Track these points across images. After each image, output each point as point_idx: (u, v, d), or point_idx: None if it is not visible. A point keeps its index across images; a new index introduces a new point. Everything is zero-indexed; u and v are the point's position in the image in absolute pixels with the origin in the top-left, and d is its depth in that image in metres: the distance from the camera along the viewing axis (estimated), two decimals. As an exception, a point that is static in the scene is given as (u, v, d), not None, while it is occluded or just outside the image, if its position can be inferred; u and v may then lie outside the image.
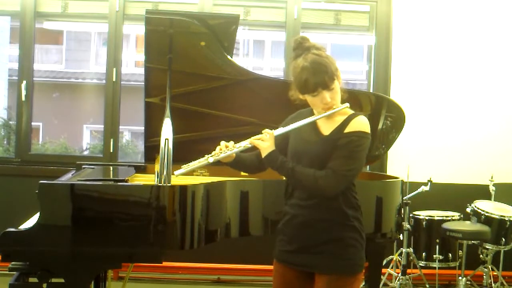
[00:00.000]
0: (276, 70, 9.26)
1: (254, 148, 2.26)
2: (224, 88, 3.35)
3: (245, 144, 2.27)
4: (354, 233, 2.18)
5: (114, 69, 4.79)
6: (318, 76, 2.10)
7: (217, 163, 2.34)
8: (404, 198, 3.62)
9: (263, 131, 2.25)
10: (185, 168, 2.35)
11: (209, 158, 2.29)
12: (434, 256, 4.23)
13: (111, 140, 4.80)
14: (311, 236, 2.18)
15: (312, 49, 2.17)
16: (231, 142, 2.31)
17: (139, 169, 3.54)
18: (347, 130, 2.15)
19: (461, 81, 4.87)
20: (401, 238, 4.20)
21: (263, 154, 2.21)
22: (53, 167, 4.64)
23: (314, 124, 2.24)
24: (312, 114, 2.26)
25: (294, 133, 2.27)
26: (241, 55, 9.40)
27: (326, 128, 2.21)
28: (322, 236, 2.17)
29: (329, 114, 2.18)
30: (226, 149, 2.29)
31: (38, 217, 2.50)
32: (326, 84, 2.12)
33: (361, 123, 2.17)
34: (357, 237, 2.19)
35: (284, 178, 2.30)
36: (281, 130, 2.25)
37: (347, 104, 2.20)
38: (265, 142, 2.21)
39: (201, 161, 2.32)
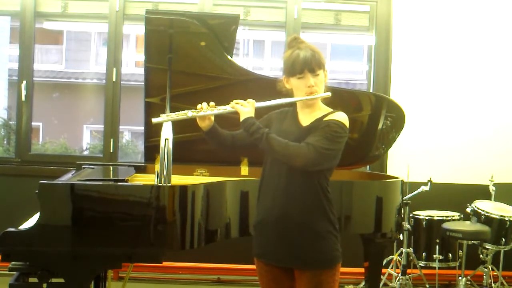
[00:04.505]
0: (276, 70, 9.26)
1: (234, 113, 2.34)
2: (224, 88, 3.35)
3: (226, 107, 2.36)
4: (329, 225, 2.23)
5: (114, 69, 4.78)
6: (306, 59, 2.22)
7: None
8: (404, 198, 3.62)
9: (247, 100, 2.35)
10: (164, 117, 2.45)
11: (189, 113, 2.39)
12: (434, 256, 4.22)
13: (111, 140, 4.80)
14: (288, 230, 2.22)
15: (304, 43, 2.30)
16: (212, 103, 2.40)
17: (139, 169, 3.53)
18: (326, 119, 2.25)
19: (461, 81, 4.86)
20: (401, 238, 4.20)
21: (241, 118, 2.30)
22: (53, 167, 4.64)
23: (295, 117, 2.33)
24: (295, 112, 2.34)
25: (276, 124, 2.35)
26: (241, 55, 9.40)
27: (306, 120, 2.30)
28: (298, 229, 2.21)
29: (310, 102, 2.27)
30: (207, 109, 2.37)
31: (38, 217, 2.50)
32: (312, 68, 2.22)
33: (340, 116, 2.26)
34: (331, 229, 2.24)
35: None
36: (263, 103, 2.35)
37: (329, 93, 2.29)
38: (245, 107, 2.31)
39: (180, 114, 2.42)
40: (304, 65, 2.21)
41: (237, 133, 2.45)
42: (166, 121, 2.47)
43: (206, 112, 2.36)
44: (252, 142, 2.28)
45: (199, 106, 2.38)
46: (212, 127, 2.41)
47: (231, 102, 2.35)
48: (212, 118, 2.41)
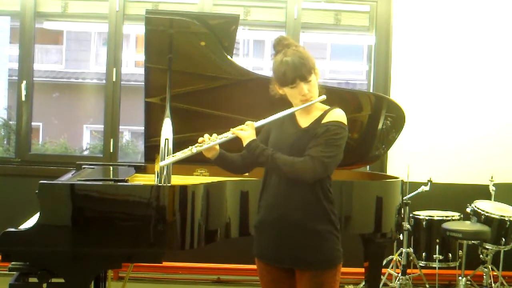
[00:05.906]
0: (276, 70, 9.22)
1: (235, 139, 2.32)
2: (224, 88, 3.35)
3: (227, 134, 2.34)
4: (329, 225, 2.23)
5: (114, 69, 4.78)
6: (296, 68, 2.20)
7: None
8: (404, 198, 3.62)
9: (245, 123, 2.33)
10: (170, 159, 2.41)
11: (193, 149, 2.35)
12: (434, 256, 4.23)
13: (111, 140, 4.80)
14: (288, 230, 2.22)
15: (291, 46, 2.27)
16: (214, 134, 2.37)
17: (139, 169, 3.53)
18: (324, 120, 2.24)
19: (461, 81, 4.87)
20: (401, 238, 4.20)
21: (244, 143, 2.28)
22: (53, 167, 4.64)
23: (293, 119, 2.33)
24: (293, 115, 2.34)
25: (275, 128, 2.35)
26: (241, 55, 9.40)
27: (305, 122, 2.30)
28: (299, 229, 2.20)
29: (307, 106, 2.26)
30: (209, 141, 2.35)
31: (38, 217, 2.50)
32: (304, 76, 2.21)
33: (338, 115, 2.25)
34: (331, 229, 2.24)
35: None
36: (261, 122, 2.33)
37: (324, 96, 2.28)
38: (246, 131, 2.30)
39: (185, 152, 2.37)
40: (295, 74, 2.19)
41: (244, 153, 2.42)
42: (173, 161, 2.42)
43: (209, 143, 2.33)
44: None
45: (200, 139, 2.35)
46: (219, 154, 2.38)
47: (231, 129, 2.33)
48: (217, 146, 2.37)
